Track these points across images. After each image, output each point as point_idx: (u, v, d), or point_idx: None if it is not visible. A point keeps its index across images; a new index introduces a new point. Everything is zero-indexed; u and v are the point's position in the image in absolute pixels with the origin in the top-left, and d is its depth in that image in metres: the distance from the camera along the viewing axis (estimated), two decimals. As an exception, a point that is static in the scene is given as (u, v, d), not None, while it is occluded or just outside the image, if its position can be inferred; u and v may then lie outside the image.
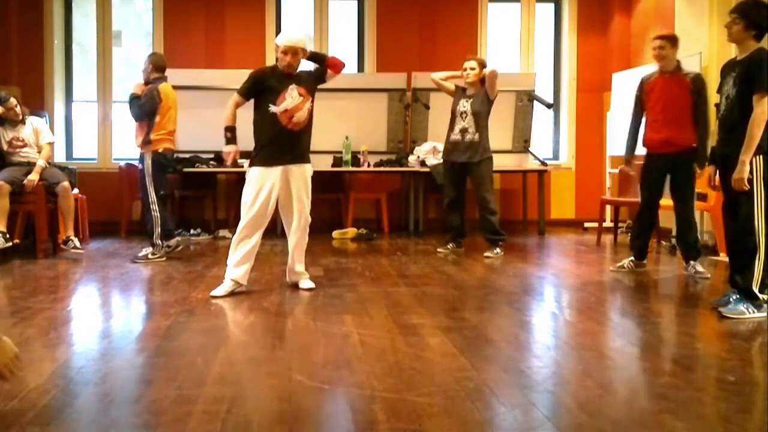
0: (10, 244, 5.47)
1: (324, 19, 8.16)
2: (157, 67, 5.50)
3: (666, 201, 6.17)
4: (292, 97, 4.12)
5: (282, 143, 4.12)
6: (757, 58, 3.54)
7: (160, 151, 5.39)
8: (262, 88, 4.14)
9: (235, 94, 4.16)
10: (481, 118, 5.70)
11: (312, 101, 4.21)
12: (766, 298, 3.53)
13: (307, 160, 4.24)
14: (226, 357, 2.80)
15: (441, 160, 6.24)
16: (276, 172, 4.09)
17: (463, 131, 5.74)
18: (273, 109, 4.10)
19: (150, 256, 5.39)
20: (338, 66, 4.27)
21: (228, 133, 4.16)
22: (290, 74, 4.17)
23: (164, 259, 5.42)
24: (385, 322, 3.39)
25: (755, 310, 3.49)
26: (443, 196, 6.12)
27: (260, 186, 4.06)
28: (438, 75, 6.04)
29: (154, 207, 5.38)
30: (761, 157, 3.50)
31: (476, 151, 5.70)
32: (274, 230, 6.35)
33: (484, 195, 5.74)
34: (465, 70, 5.78)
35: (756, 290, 3.52)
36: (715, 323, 3.49)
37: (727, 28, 3.68)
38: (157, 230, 5.38)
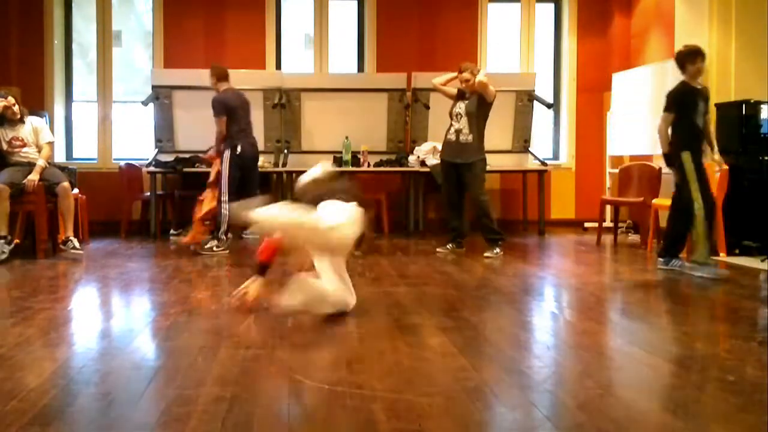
0: (12, 246, 5.48)
1: (324, 19, 8.16)
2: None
3: (664, 201, 6.19)
4: None
5: None
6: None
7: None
8: None
9: None
10: (475, 119, 5.68)
11: None
12: None
13: None
14: (226, 357, 2.79)
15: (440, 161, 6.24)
16: None
17: (458, 132, 5.75)
18: None
19: (215, 248, 5.81)
20: None
21: None
22: None
23: (227, 252, 5.81)
24: (385, 322, 3.39)
25: None
26: (443, 196, 6.12)
27: None
28: (438, 80, 6.05)
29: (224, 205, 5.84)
30: None
31: (469, 152, 5.70)
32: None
33: (477, 196, 5.74)
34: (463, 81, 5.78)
35: None
36: (715, 323, 3.49)
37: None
38: (224, 227, 5.83)
